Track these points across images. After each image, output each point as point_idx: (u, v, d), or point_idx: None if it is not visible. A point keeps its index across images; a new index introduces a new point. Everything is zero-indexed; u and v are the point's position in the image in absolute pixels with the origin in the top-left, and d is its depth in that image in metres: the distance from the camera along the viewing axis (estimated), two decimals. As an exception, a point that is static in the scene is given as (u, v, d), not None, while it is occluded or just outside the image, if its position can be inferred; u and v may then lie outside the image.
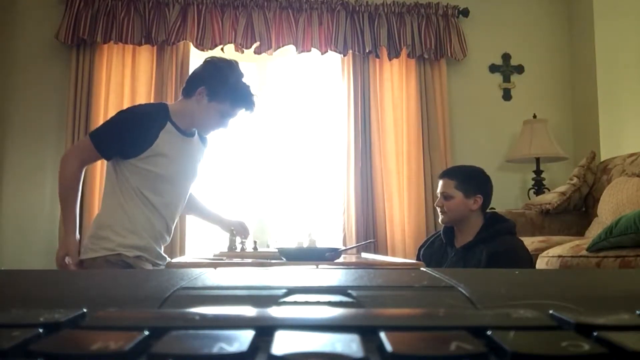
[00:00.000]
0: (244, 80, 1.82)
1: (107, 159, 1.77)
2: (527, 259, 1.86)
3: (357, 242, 3.19)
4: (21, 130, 3.36)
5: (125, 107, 3.30)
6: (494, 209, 3.31)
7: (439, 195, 1.99)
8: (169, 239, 1.88)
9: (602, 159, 3.25)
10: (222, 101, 1.77)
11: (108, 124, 1.77)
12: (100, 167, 3.08)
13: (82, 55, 3.33)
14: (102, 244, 1.71)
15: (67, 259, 1.71)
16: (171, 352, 0.17)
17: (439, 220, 2.00)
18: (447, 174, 2.01)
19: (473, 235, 1.90)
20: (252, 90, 1.83)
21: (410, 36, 3.56)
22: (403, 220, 3.42)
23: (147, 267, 1.75)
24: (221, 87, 1.77)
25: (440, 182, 2.00)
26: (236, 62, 1.85)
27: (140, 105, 1.98)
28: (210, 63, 1.84)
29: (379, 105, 3.55)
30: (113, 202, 1.74)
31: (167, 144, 1.74)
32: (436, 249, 2.00)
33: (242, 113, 1.85)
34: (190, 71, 3.39)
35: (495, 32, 3.80)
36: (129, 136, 1.70)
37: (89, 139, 1.73)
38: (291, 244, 2.38)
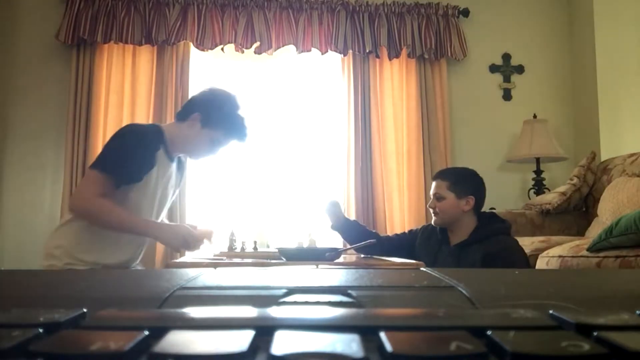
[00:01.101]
0: (240, 112, 1.78)
1: (118, 187, 1.62)
2: (523, 259, 1.85)
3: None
4: (21, 130, 3.36)
5: (125, 107, 3.32)
6: (494, 209, 3.32)
7: (431, 196, 2.00)
8: (137, 261, 1.82)
9: (602, 159, 3.25)
10: (214, 129, 1.73)
11: (114, 149, 1.64)
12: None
13: (82, 55, 3.33)
14: (53, 262, 1.63)
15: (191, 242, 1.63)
16: (171, 352, 0.17)
17: (432, 222, 2.01)
18: (440, 175, 2.02)
19: (466, 234, 1.90)
20: (247, 123, 1.79)
21: (410, 36, 3.56)
22: (403, 220, 3.42)
23: None
24: (215, 114, 1.73)
25: (434, 184, 2.00)
26: (235, 95, 1.81)
27: (138, 125, 1.85)
28: (208, 90, 1.82)
29: (379, 105, 3.55)
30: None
31: (156, 167, 1.68)
32: (432, 244, 2.00)
33: (233, 143, 1.81)
34: (191, 71, 3.43)
35: (495, 32, 3.80)
36: (140, 157, 1.62)
37: (97, 172, 1.59)
38: (291, 244, 2.38)
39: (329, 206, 2.08)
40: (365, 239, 1.97)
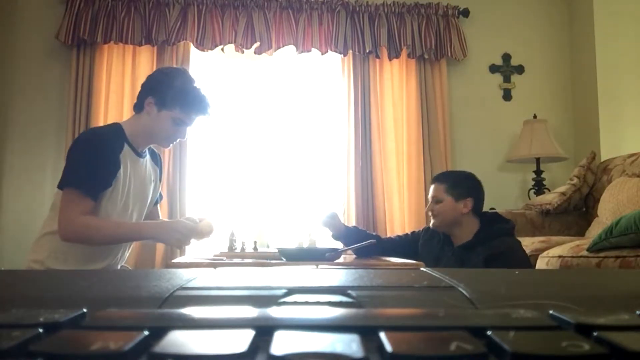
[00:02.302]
0: (194, 85, 1.72)
1: (96, 198, 1.57)
2: (525, 260, 1.85)
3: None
4: (21, 130, 3.36)
5: (125, 107, 3.32)
6: (494, 209, 3.32)
7: (430, 200, 2.00)
8: (120, 264, 1.79)
9: (602, 159, 3.25)
10: (171, 107, 1.67)
11: (78, 160, 1.58)
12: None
13: (82, 55, 3.33)
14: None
15: (184, 237, 1.60)
16: (171, 352, 0.17)
17: (430, 224, 2.01)
18: (438, 178, 2.03)
19: (470, 236, 1.90)
20: (204, 92, 1.73)
21: (410, 36, 3.56)
22: (403, 220, 3.42)
23: None
24: (167, 92, 1.67)
25: (431, 187, 2.02)
26: (184, 69, 1.78)
27: (95, 129, 1.77)
28: (155, 72, 1.78)
29: (379, 105, 3.55)
30: (55, 224, 1.60)
31: (123, 167, 1.63)
32: (435, 246, 2.01)
33: (199, 119, 1.75)
34: (191, 72, 3.42)
35: (495, 32, 3.80)
36: (105, 162, 1.58)
37: (70, 190, 1.54)
38: (291, 244, 2.38)
39: (327, 219, 2.08)
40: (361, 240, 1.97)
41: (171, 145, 1.78)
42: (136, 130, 1.69)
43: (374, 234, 2.27)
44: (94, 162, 1.56)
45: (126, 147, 1.66)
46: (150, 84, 1.72)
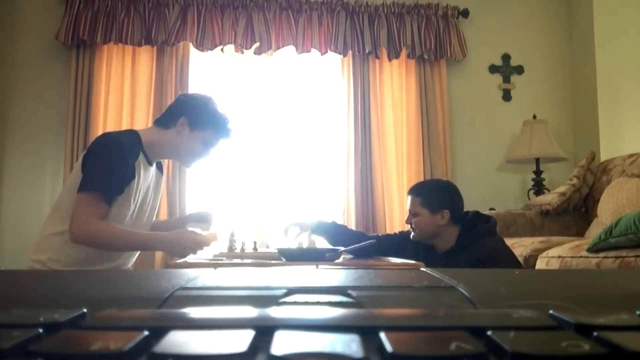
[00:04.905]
0: (221, 109, 1.79)
1: (110, 202, 1.58)
2: (511, 259, 1.82)
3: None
4: (21, 130, 3.36)
5: (124, 107, 3.32)
6: (494, 209, 3.32)
7: (407, 212, 1.97)
8: (126, 266, 1.80)
9: (602, 159, 3.26)
10: (204, 129, 1.73)
11: (95, 164, 1.57)
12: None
13: (82, 55, 3.33)
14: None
15: (192, 247, 1.62)
16: (171, 352, 0.17)
17: (411, 236, 1.97)
18: (413, 191, 1.98)
19: (452, 242, 1.87)
20: (230, 118, 1.80)
21: (410, 37, 3.56)
22: (403, 220, 3.41)
23: None
24: (201, 115, 1.73)
25: (408, 199, 1.97)
26: (211, 96, 1.85)
27: (113, 135, 1.75)
28: (186, 95, 1.84)
29: (378, 105, 3.55)
30: (62, 227, 1.59)
31: (136, 175, 1.65)
32: (420, 252, 1.98)
33: (221, 142, 1.82)
34: (190, 72, 3.43)
35: (495, 32, 3.81)
36: (122, 168, 1.59)
37: (86, 193, 1.54)
38: (291, 244, 2.38)
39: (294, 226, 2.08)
40: (348, 238, 1.96)
41: (192, 164, 1.83)
42: (156, 144, 1.72)
43: (358, 231, 2.24)
44: (112, 166, 1.57)
45: (141, 155, 1.68)
46: (183, 105, 1.77)
